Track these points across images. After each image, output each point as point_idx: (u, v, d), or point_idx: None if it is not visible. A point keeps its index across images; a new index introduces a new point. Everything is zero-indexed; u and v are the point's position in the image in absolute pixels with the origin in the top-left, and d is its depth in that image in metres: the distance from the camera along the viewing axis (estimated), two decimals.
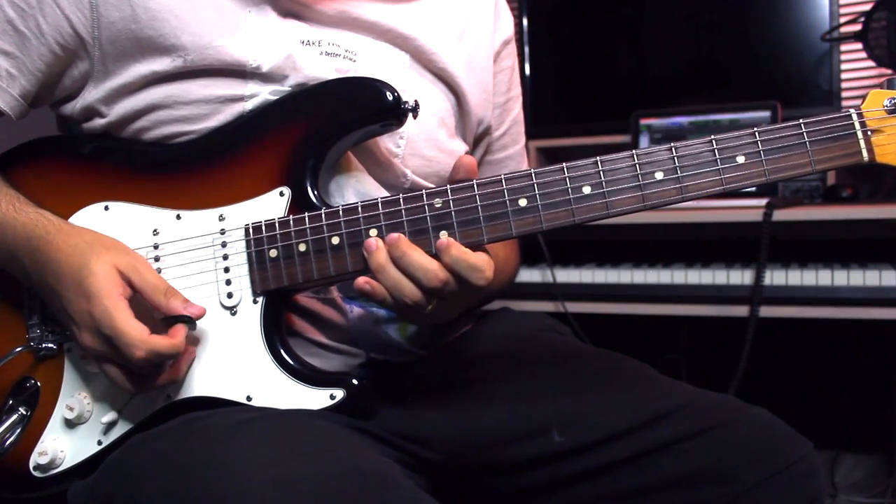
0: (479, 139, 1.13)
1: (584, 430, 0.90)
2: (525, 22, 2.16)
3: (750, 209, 1.58)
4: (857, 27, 1.75)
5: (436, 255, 0.80)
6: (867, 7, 1.75)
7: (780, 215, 1.53)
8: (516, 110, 1.18)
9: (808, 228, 1.57)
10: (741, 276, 1.56)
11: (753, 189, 1.74)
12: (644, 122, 1.87)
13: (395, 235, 0.81)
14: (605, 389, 0.95)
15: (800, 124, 0.78)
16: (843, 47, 1.87)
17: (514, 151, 1.19)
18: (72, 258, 0.82)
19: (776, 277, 1.53)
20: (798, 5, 1.88)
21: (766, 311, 1.54)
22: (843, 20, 1.85)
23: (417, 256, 0.79)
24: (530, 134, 2.10)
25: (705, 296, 1.60)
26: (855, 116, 0.78)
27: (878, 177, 1.92)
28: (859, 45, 1.75)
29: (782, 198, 1.70)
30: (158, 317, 0.85)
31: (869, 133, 0.78)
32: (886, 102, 0.77)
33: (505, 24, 1.13)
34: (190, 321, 0.84)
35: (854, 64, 1.95)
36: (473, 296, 0.82)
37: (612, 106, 2.05)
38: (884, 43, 1.69)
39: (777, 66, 1.92)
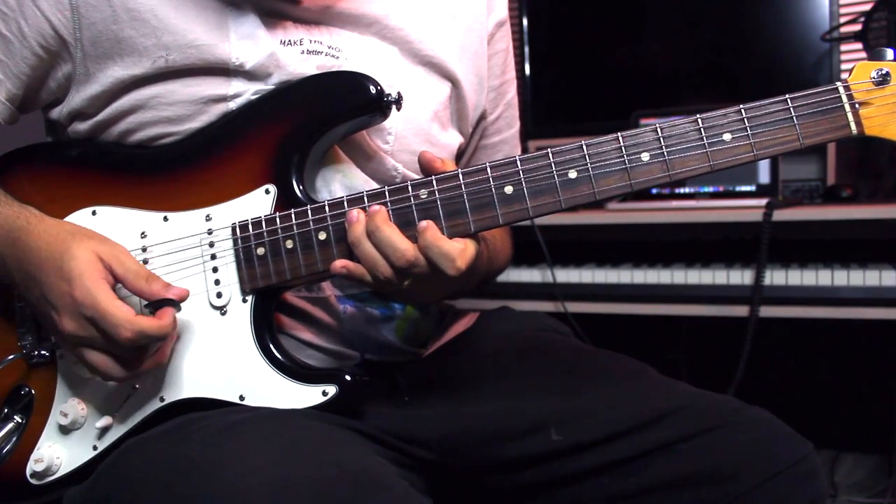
0: (476, 125, 1.11)
1: (583, 430, 0.90)
2: (525, 22, 2.16)
3: (750, 209, 1.58)
4: (857, 27, 1.75)
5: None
6: (867, 7, 1.75)
7: (780, 215, 1.53)
8: (510, 94, 1.17)
9: (808, 228, 1.57)
10: (741, 276, 1.56)
11: (753, 189, 1.74)
12: (644, 121, 1.87)
13: (376, 208, 0.81)
14: (604, 389, 0.95)
15: (786, 99, 0.77)
16: (843, 47, 1.87)
17: (508, 135, 1.18)
18: (52, 245, 0.82)
19: (776, 277, 1.53)
20: (798, 5, 1.88)
21: (766, 311, 1.53)
22: (843, 20, 1.85)
23: (390, 233, 0.80)
24: (530, 134, 2.13)
25: (705, 296, 1.60)
26: (842, 89, 0.77)
27: (878, 177, 1.92)
28: (859, 45, 1.75)
29: (782, 198, 1.70)
30: (144, 304, 0.84)
31: (857, 106, 0.77)
32: (874, 74, 0.77)
33: (499, 5, 1.11)
34: (175, 304, 0.83)
35: (854, 64, 1.94)
36: (450, 282, 0.82)
37: (612, 105, 2.05)
38: (884, 43, 1.69)
39: (777, 66, 1.92)
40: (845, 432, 2.07)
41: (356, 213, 0.81)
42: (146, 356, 0.83)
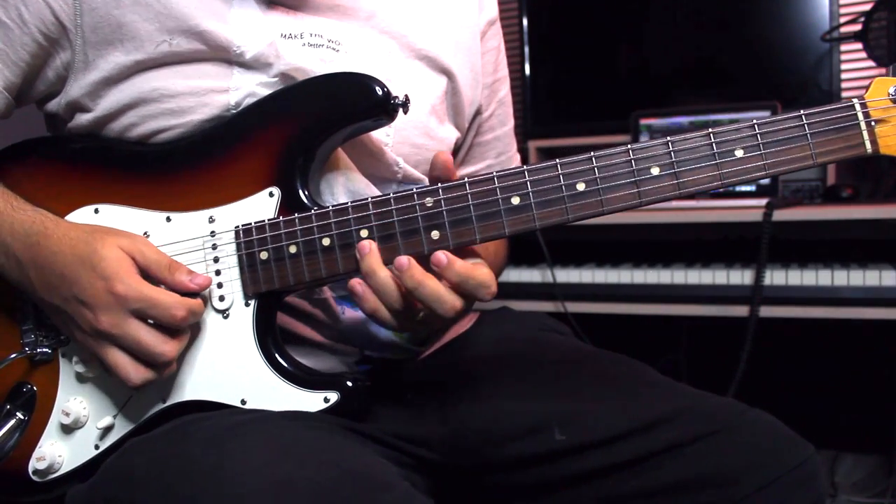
0: (471, 120, 1.12)
1: (584, 431, 0.90)
2: (525, 22, 2.16)
3: (750, 209, 1.58)
4: (857, 27, 1.75)
5: (433, 271, 0.78)
6: (867, 7, 1.75)
7: (780, 215, 1.53)
8: (503, 91, 1.17)
9: (808, 228, 1.57)
10: (741, 276, 1.56)
11: (753, 189, 1.74)
12: (644, 122, 1.87)
13: (404, 260, 0.77)
14: (605, 391, 0.95)
15: (801, 115, 0.76)
16: (843, 47, 1.87)
17: (501, 133, 1.18)
18: (76, 248, 0.83)
19: (776, 277, 1.53)
20: (798, 5, 1.88)
21: (766, 311, 1.54)
22: (843, 20, 1.85)
23: (434, 286, 0.77)
24: (530, 134, 2.13)
25: (705, 296, 1.60)
26: (858, 106, 0.75)
27: (878, 177, 1.92)
28: (859, 45, 1.75)
29: (782, 198, 1.70)
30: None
31: (872, 124, 0.74)
32: (891, 90, 0.74)
33: (489, 3, 1.12)
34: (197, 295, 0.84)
35: (854, 64, 1.95)
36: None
37: (612, 106, 2.05)
38: (884, 43, 1.69)
39: (777, 66, 1.92)
40: (845, 432, 2.07)
41: (367, 245, 0.80)
42: (175, 356, 0.83)
